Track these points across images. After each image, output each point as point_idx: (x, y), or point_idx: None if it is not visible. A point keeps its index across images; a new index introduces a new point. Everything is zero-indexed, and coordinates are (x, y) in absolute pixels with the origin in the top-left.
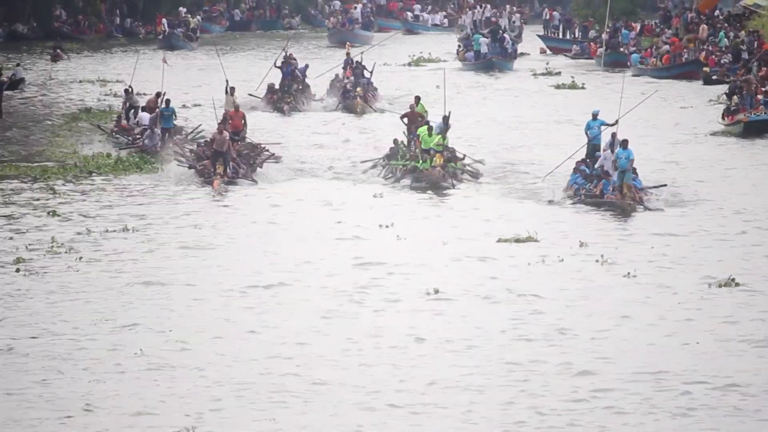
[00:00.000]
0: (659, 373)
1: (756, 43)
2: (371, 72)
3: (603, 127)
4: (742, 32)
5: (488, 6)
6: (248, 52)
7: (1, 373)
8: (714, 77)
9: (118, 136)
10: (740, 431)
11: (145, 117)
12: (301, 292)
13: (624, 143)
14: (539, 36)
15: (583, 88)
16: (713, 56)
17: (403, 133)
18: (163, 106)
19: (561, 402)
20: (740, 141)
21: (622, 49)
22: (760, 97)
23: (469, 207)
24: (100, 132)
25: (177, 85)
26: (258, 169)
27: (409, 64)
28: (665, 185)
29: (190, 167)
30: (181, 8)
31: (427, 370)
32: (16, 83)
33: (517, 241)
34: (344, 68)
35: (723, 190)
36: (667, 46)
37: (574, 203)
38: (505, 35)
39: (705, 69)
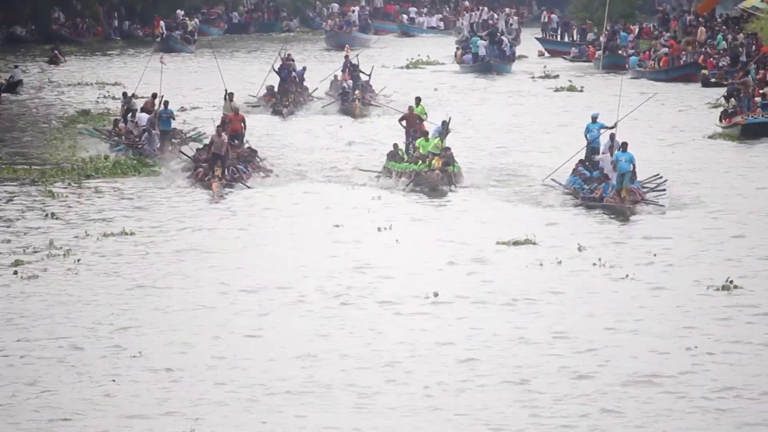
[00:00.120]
0: (657, 376)
1: (754, 45)
2: (369, 75)
3: (602, 130)
4: (741, 35)
5: (485, 8)
6: (246, 54)
7: (0, 375)
8: (712, 80)
9: (116, 138)
10: None
11: (143, 117)
12: (300, 295)
13: (623, 146)
14: (537, 39)
15: (581, 90)
16: (711, 59)
17: (404, 141)
18: (162, 108)
19: (559, 404)
20: (738, 143)
21: (620, 52)
22: (757, 99)
23: (467, 210)
24: (97, 135)
25: (175, 88)
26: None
27: (407, 67)
28: (659, 176)
29: (193, 160)
30: (178, 11)
31: (426, 373)
32: (14, 86)
33: (516, 243)
34: (343, 71)
35: (721, 193)
36: (665, 49)
37: (573, 206)
38: (503, 38)
39: (703, 72)
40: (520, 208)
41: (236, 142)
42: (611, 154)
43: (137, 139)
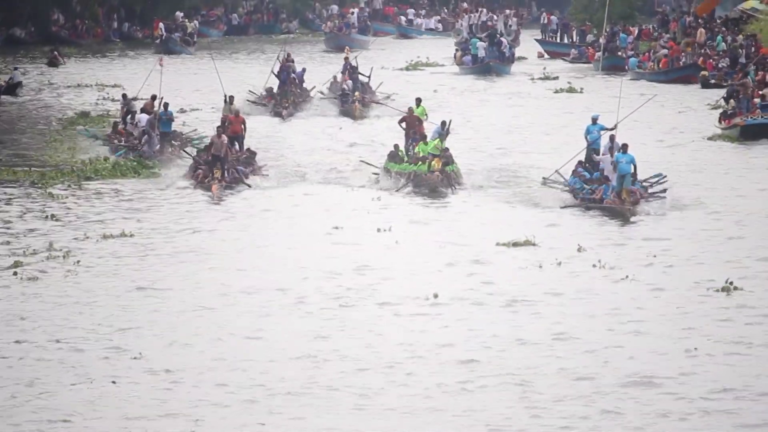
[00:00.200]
0: (657, 377)
1: (753, 47)
2: (369, 77)
3: (602, 132)
4: (740, 36)
5: (484, 10)
6: (246, 56)
7: (0, 377)
8: (712, 81)
9: (115, 141)
10: None
11: (144, 118)
12: (300, 297)
13: (624, 147)
14: (537, 40)
15: (580, 92)
16: (711, 60)
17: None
18: (162, 110)
19: (558, 405)
20: (737, 145)
21: (619, 53)
22: (756, 100)
23: (467, 211)
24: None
25: (174, 90)
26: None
27: (407, 69)
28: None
29: (194, 160)
30: (178, 13)
31: (425, 374)
32: (13, 87)
33: (516, 245)
34: (343, 72)
35: (720, 194)
36: (664, 50)
37: (573, 206)
38: (502, 39)
39: (703, 73)
40: (520, 209)
41: (236, 143)
42: (611, 156)
43: (137, 141)
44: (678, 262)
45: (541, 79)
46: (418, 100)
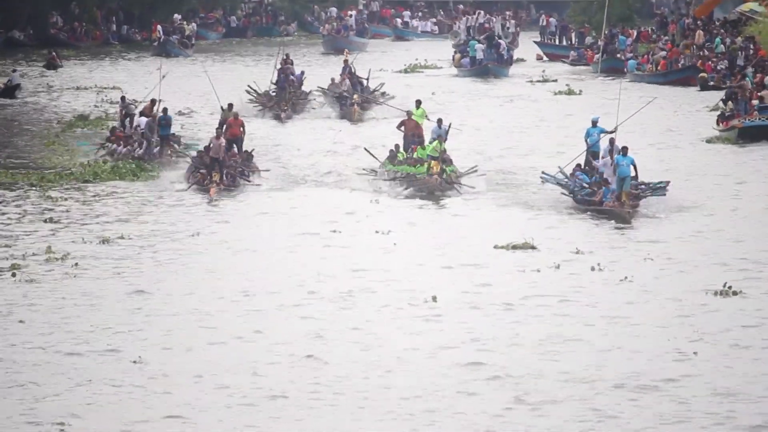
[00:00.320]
0: (656, 380)
1: (752, 49)
2: (367, 79)
3: (602, 135)
4: (739, 38)
5: (482, 12)
6: (244, 58)
7: None
8: (711, 83)
9: (113, 145)
10: None
11: (143, 122)
12: (298, 300)
13: (624, 150)
14: (536, 42)
15: (579, 94)
16: (709, 62)
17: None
18: (161, 114)
19: (557, 408)
20: (735, 146)
21: (618, 56)
22: (755, 102)
23: (465, 214)
24: (96, 140)
25: (173, 92)
26: (253, 177)
27: (405, 71)
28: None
29: (193, 161)
30: (176, 15)
31: (424, 376)
32: (12, 90)
33: (515, 247)
34: (341, 75)
35: (718, 196)
36: (663, 52)
37: (572, 208)
38: (500, 41)
39: (702, 75)
40: (519, 211)
41: (235, 146)
42: (611, 159)
43: (136, 144)
44: (676, 265)
45: (539, 81)
46: (418, 102)
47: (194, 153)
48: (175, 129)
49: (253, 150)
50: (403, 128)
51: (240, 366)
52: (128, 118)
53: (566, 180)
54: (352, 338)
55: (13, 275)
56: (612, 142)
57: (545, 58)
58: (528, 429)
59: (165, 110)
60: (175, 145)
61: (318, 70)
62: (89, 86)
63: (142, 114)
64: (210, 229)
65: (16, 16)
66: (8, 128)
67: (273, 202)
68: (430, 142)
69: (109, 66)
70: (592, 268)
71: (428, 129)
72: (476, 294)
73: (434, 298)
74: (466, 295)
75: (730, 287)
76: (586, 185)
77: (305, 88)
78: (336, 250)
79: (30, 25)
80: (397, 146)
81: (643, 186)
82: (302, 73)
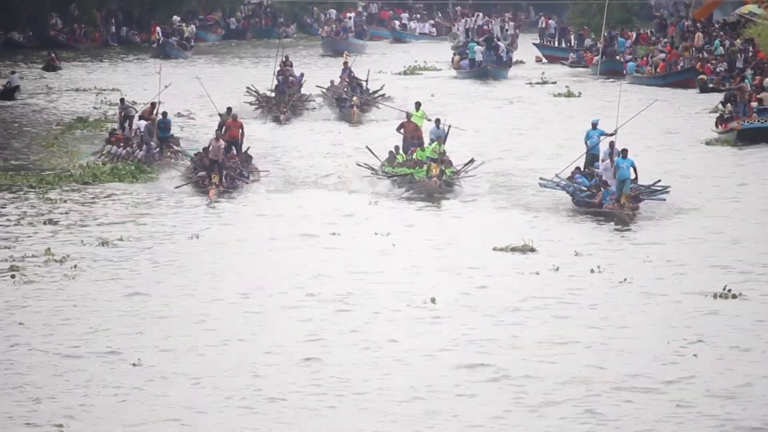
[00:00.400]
0: (655, 383)
1: (751, 51)
2: (366, 81)
3: (602, 137)
4: (738, 40)
5: (480, 14)
6: (244, 60)
7: None
8: (710, 85)
9: (113, 146)
10: None
11: (142, 125)
12: (297, 302)
13: (623, 152)
14: (535, 44)
15: (578, 96)
16: (709, 64)
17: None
18: (160, 117)
19: (556, 410)
20: (734, 149)
21: (618, 58)
22: (753, 104)
23: (465, 216)
24: (96, 141)
25: (171, 94)
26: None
27: (405, 73)
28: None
29: (192, 163)
30: (175, 17)
31: (422, 378)
32: (11, 92)
33: (514, 250)
34: (341, 76)
35: (717, 199)
36: (662, 54)
37: (572, 210)
38: (500, 43)
39: (702, 77)
40: (519, 213)
41: (234, 148)
42: (611, 162)
43: (135, 146)
44: (676, 267)
45: (539, 83)
46: (418, 104)
47: (193, 154)
48: (174, 131)
49: (248, 148)
50: (402, 130)
51: (239, 368)
52: (127, 120)
53: (565, 183)
54: (351, 340)
55: (13, 277)
56: (612, 145)
57: (544, 60)
58: (527, 431)
59: (164, 113)
60: (175, 146)
61: (317, 72)
62: (88, 88)
63: (141, 117)
64: (209, 231)
65: (15, 17)
66: (7, 130)
67: (272, 203)
68: (429, 143)
69: (109, 68)
70: (592, 270)
71: (426, 130)
72: (475, 296)
73: (433, 300)
74: (465, 297)
75: (729, 290)
76: (585, 188)
77: (305, 90)
78: (335, 252)
79: (29, 27)
80: (396, 148)
81: (642, 188)
82: (302, 75)
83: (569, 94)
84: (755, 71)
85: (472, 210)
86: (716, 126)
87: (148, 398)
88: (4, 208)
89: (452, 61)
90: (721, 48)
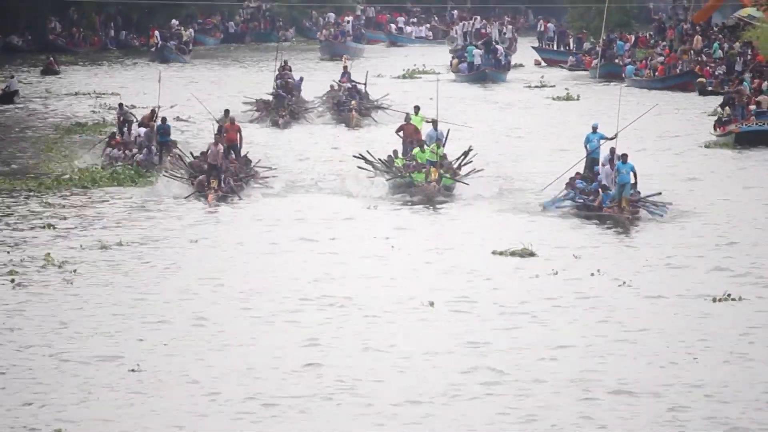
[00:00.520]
0: (654, 385)
1: (750, 54)
2: (365, 84)
3: (602, 141)
4: (737, 43)
5: (478, 18)
6: (242, 64)
7: None
8: (709, 88)
9: (113, 149)
10: None
11: (143, 131)
12: (297, 305)
13: (624, 157)
14: (534, 48)
15: (577, 99)
16: (708, 67)
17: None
18: (159, 123)
19: (552, 412)
20: (732, 152)
21: (616, 61)
22: (752, 107)
23: (464, 219)
24: (94, 144)
25: (170, 98)
26: (251, 184)
27: (404, 77)
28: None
29: (190, 167)
30: (173, 21)
31: (420, 382)
32: (10, 96)
33: (513, 253)
34: (340, 80)
35: (716, 202)
36: (661, 58)
37: (571, 215)
38: (498, 47)
39: (700, 80)
40: (518, 217)
41: (232, 152)
42: (611, 167)
43: (135, 151)
44: (675, 270)
45: (538, 86)
46: (417, 108)
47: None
48: (173, 135)
49: (247, 153)
50: (401, 133)
51: (238, 372)
52: (126, 125)
53: (564, 195)
54: (349, 343)
55: (12, 281)
56: (613, 151)
57: (543, 63)
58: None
59: (164, 119)
60: (175, 150)
61: (316, 76)
62: (87, 92)
63: (141, 124)
64: (208, 236)
65: (14, 21)
66: (6, 134)
67: (271, 208)
68: (428, 146)
69: (107, 72)
70: (591, 274)
71: (424, 131)
72: (474, 299)
73: (431, 304)
74: (464, 301)
75: (729, 294)
76: (586, 194)
77: (304, 95)
78: (334, 256)
79: (28, 31)
80: (395, 152)
81: (642, 198)
82: (301, 79)
83: (568, 98)
84: (754, 74)
85: (471, 213)
86: (714, 129)
87: (147, 403)
88: (3, 212)
89: (451, 65)
90: (720, 51)
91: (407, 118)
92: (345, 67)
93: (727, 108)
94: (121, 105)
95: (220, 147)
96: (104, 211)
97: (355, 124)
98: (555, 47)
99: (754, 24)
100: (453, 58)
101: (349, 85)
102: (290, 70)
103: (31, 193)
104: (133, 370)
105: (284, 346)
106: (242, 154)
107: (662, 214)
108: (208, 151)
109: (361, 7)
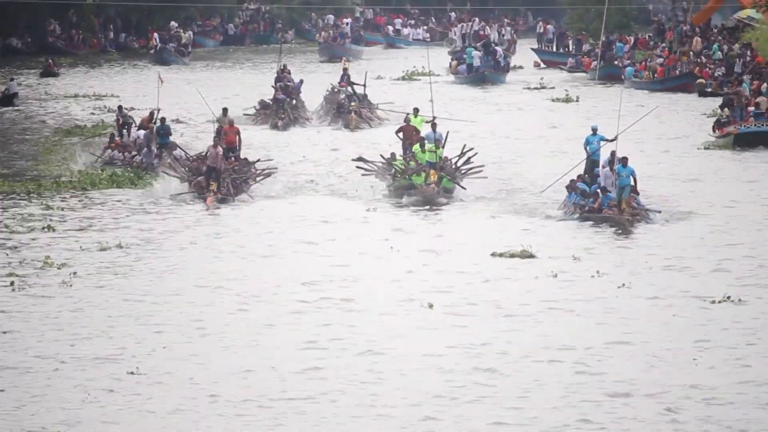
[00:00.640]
0: (654, 387)
1: (749, 55)
2: (364, 85)
3: (602, 143)
4: (736, 45)
5: (476, 19)
6: (242, 66)
7: None
8: (709, 90)
9: (113, 151)
10: None
11: (142, 134)
12: (296, 307)
13: (624, 160)
14: (533, 49)
15: (577, 101)
16: (707, 69)
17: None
18: (159, 124)
19: (551, 414)
20: (731, 153)
21: (616, 63)
22: (751, 109)
23: (463, 221)
24: (93, 146)
25: (169, 100)
26: (251, 184)
27: (403, 78)
28: (659, 212)
29: (189, 170)
30: (172, 23)
31: (419, 383)
32: (9, 98)
33: (512, 255)
34: (340, 82)
35: (715, 203)
36: (660, 59)
37: (571, 217)
38: (497, 48)
39: (700, 81)
40: (517, 219)
41: (231, 154)
42: (611, 170)
43: (135, 153)
44: (675, 272)
45: (537, 88)
46: (416, 110)
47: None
48: (172, 137)
49: (246, 158)
50: (401, 134)
51: (236, 374)
52: (125, 127)
53: (565, 201)
54: (348, 345)
55: (11, 284)
56: (613, 154)
57: (543, 65)
58: None
59: (163, 120)
60: (174, 152)
61: (316, 78)
62: (86, 94)
63: (140, 127)
64: (207, 238)
65: (13, 23)
66: (5, 136)
67: (270, 209)
68: (428, 146)
69: (107, 74)
70: (591, 276)
71: (423, 133)
72: (473, 301)
73: (431, 305)
74: (463, 302)
75: (728, 296)
76: (585, 198)
77: (304, 97)
78: (333, 258)
79: (27, 33)
80: (393, 155)
81: (637, 204)
82: (301, 81)
83: (567, 99)
84: (753, 76)
85: (471, 215)
86: (714, 130)
87: (146, 405)
88: (2, 214)
89: (450, 67)
90: (720, 52)
91: (407, 119)
92: (345, 69)
93: (726, 109)
94: (120, 107)
95: (219, 149)
96: (103, 214)
97: (354, 126)
98: (554, 49)
99: (753, 25)
100: (452, 59)
101: (349, 90)
102: (289, 73)
103: (31, 195)
104: (132, 372)
105: (283, 348)
106: (242, 156)
107: (650, 220)
108: (207, 153)
109: (360, 9)
